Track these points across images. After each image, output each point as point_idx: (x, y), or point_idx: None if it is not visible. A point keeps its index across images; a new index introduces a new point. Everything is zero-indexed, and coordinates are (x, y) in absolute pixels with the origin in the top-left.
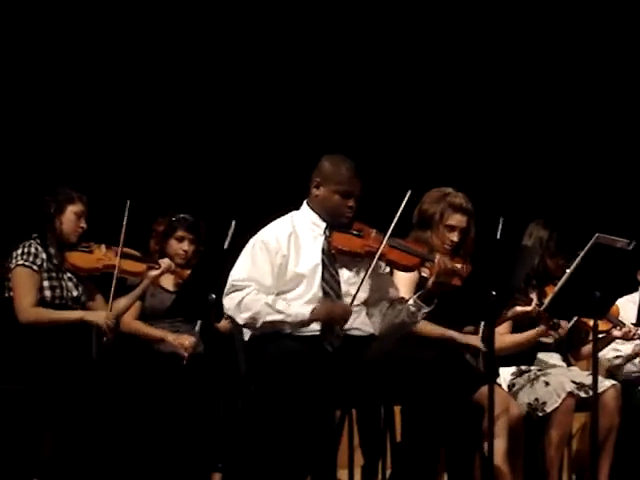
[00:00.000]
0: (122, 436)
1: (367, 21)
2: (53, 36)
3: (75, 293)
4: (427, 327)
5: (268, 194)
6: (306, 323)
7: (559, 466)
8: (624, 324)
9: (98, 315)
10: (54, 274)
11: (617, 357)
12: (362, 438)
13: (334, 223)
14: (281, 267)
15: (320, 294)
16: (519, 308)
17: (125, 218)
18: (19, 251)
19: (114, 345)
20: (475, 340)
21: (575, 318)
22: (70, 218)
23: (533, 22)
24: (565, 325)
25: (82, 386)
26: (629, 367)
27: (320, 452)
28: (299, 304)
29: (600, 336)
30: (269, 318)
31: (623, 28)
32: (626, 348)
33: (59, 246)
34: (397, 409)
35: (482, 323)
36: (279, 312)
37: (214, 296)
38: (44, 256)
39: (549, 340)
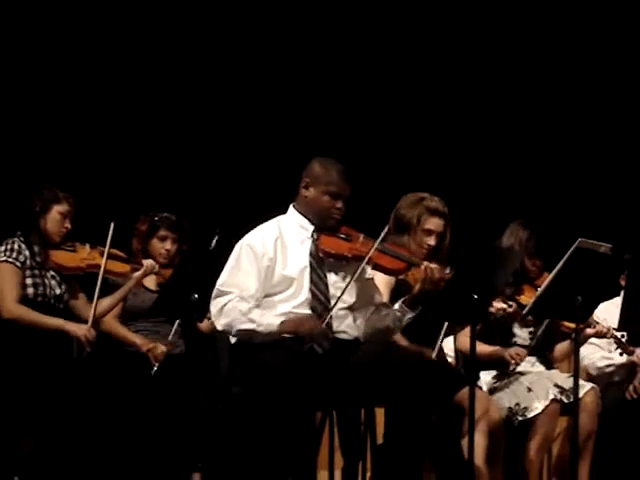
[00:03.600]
0: (102, 435)
1: (356, 30)
2: (40, 36)
3: (58, 291)
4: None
5: (253, 193)
6: (275, 334)
7: (539, 470)
8: (598, 322)
9: (78, 327)
10: (37, 272)
11: (609, 365)
12: (342, 440)
13: (322, 225)
14: (268, 270)
15: (309, 296)
16: (500, 303)
17: (109, 238)
18: (2, 248)
19: (95, 344)
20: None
21: (546, 322)
22: (55, 218)
23: (520, 33)
24: (524, 355)
25: (62, 385)
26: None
27: (300, 453)
28: (274, 314)
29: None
30: (242, 326)
31: (616, 34)
32: (618, 357)
33: (43, 244)
34: (378, 411)
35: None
36: (252, 321)
37: (196, 296)
38: (27, 253)
39: (512, 364)
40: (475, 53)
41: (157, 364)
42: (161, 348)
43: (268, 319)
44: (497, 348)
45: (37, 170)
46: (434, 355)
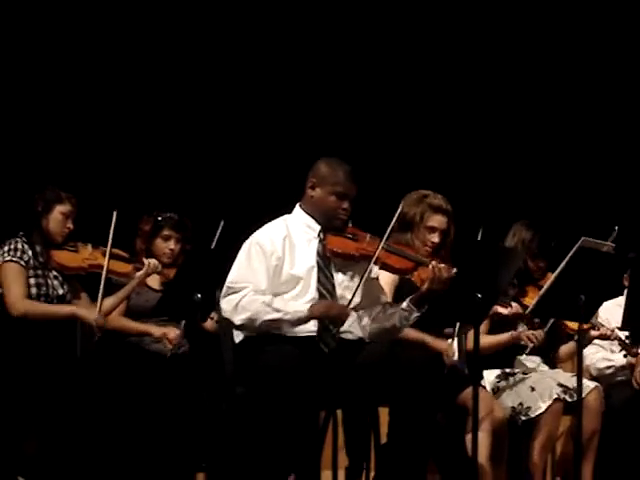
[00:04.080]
0: (106, 435)
1: (360, 31)
2: (40, 37)
3: (60, 291)
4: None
5: (256, 192)
6: (304, 320)
7: (543, 469)
8: (602, 324)
9: (89, 312)
10: (40, 272)
11: (609, 367)
12: (347, 440)
13: (328, 225)
14: (276, 269)
15: (316, 296)
16: (498, 308)
17: (112, 228)
18: (5, 248)
19: (99, 343)
20: (444, 345)
21: (552, 320)
22: (57, 218)
23: (522, 33)
24: (541, 335)
25: (66, 384)
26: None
27: (304, 453)
28: (296, 302)
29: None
30: (268, 317)
31: (616, 34)
32: (617, 358)
33: (45, 244)
34: (382, 411)
35: (457, 324)
36: (277, 310)
37: (200, 296)
38: (30, 253)
39: (529, 344)
40: (479, 53)
41: (173, 347)
42: (175, 330)
43: (294, 306)
44: (511, 333)
45: (39, 170)
46: (455, 355)
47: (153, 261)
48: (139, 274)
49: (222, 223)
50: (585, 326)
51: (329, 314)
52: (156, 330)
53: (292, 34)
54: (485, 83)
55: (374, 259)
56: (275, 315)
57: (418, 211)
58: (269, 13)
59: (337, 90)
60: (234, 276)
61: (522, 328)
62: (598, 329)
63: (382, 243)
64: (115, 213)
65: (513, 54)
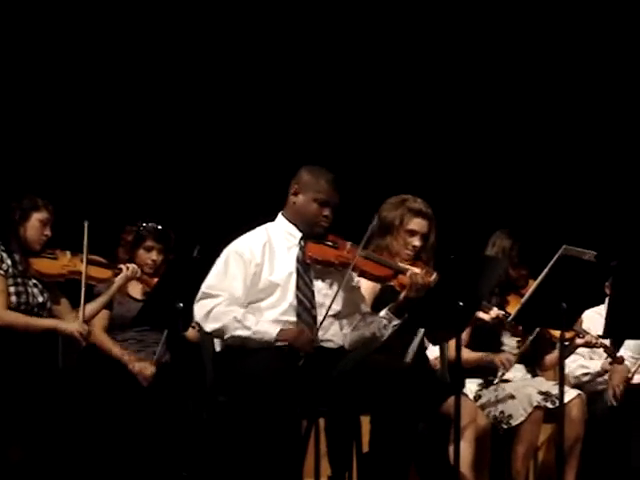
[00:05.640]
0: (89, 444)
1: (342, 40)
2: (16, 47)
3: (40, 299)
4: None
5: (238, 203)
6: (271, 343)
7: (525, 477)
8: (587, 332)
9: (71, 325)
10: (19, 280)
11: (585, 374)
12: (330, 448)
13: (309, 232)
14: (255, 276)
15: (294, 303)
16: (479, 313)
17: (85, 238)
18: None
19: (81, 354)
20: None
21: (537, 329)
22: (35, 225)
23: (509, 41)
24: (511, 361)
25: (49, 393)
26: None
27: (287, 462)
28: (269, 321)
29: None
30: (236, 333)
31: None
32: (594, 365)
33: (23, 252)
34: (364, 420)
35: (421, 331)
36: (247, 328)
37: (181, 305)
38: (9, 262)
39: (500, 369)
40: (461, 61)
41: (145, 384)
42: (150, 369)
43: (264, 327)
44: (486, 354)
45: (16, 179)
46: (408, 359)
47: (132, 265)
48: (119, 277)
49: (197, 249)
50: (570, 334)
51: (295, 343)
52: (132, 364)
53: (274, 45)
54: (467, 91)
55: (352, 266)
56: (244, 332)
57: (397, 214)
58: (249, 25)
59: (319, 98)
60: (210, 282)
61: (506, 337)
62: (583, 337)
63: (359, 250)
64: (86, 223)
65: (495, 63)
